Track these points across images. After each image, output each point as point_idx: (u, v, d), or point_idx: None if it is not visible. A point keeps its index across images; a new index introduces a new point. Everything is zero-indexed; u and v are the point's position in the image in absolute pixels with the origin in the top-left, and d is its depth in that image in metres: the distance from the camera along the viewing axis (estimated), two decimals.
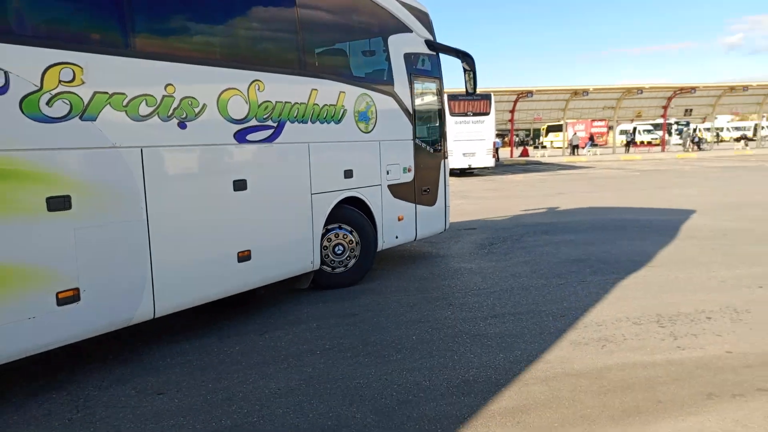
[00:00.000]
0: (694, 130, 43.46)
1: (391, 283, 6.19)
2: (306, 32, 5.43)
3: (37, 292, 3.43)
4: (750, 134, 45.34)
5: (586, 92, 31.94)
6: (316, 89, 5.45)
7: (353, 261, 6.13)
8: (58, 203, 3.51)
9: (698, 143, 38.11)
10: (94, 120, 3.69)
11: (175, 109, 4.18)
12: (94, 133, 3.70)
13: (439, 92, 7.52)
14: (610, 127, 44.42)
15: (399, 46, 6.67)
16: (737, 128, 53.96)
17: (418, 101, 6.99)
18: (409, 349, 4.22)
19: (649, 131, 49.59)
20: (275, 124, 5.04)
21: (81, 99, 3.61)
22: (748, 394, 3.32)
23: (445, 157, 7.69)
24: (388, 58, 6.55)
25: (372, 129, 6.25)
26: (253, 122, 4.83)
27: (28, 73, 3.36)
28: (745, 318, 4.68)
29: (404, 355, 4.11)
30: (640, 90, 32.88)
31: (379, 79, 6.49)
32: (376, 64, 6.54)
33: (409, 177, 6.90)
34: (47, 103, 3.45)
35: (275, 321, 5.00)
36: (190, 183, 4.42)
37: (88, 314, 3.69)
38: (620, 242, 7.96)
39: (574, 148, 36.13)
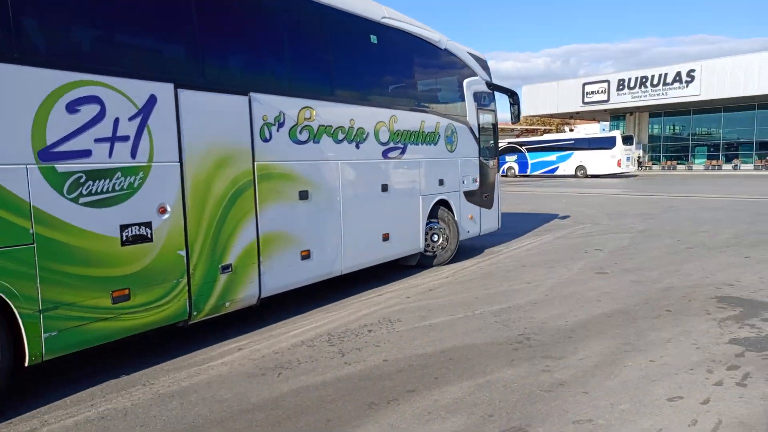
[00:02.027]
0: None
1: None
2: (419, 83, 7.60)
3: (293, 250, 5.48)
4: None
5: None
6: (424, 120, 7.57)
7: (443, 248, 8.20)
8: (304, 195, 5.57)
9: None
10: (319, 143, 5.78)
11: (354, 135, 6.28)
12: (319, 151, 5.79)
13: (495, 121, 9.67)
14: None
15: (470, 86, 8.84)
16: None
17: (481, 129, 9.14)
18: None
19: None
20: (402, 146, 7.15)
21: (313, 129, 5.70)
22: (401, 398, 3.65)
23: (498, 171, 9.83)
24: (462, 96, 8.71)
25: (454, 149, 8.37)
26: (391, 144, 6.93)
27: (293, 113, 5.45)
28: (398, 327, 5.22)
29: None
30: None
31: (458, 112, 8.62)
32: (456, 101, 8.69)
33: (476, 186, 9.01)
34: (299, 132, 5.53)
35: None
36: (360, 185, 6.50)
37: (313, 267, 5.74)
38: None
39: None
